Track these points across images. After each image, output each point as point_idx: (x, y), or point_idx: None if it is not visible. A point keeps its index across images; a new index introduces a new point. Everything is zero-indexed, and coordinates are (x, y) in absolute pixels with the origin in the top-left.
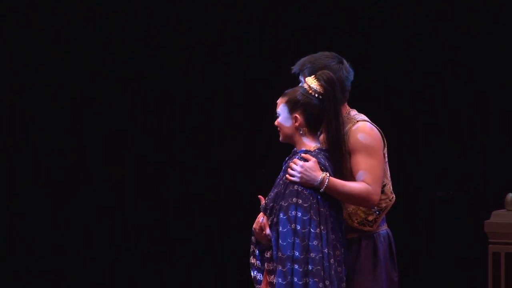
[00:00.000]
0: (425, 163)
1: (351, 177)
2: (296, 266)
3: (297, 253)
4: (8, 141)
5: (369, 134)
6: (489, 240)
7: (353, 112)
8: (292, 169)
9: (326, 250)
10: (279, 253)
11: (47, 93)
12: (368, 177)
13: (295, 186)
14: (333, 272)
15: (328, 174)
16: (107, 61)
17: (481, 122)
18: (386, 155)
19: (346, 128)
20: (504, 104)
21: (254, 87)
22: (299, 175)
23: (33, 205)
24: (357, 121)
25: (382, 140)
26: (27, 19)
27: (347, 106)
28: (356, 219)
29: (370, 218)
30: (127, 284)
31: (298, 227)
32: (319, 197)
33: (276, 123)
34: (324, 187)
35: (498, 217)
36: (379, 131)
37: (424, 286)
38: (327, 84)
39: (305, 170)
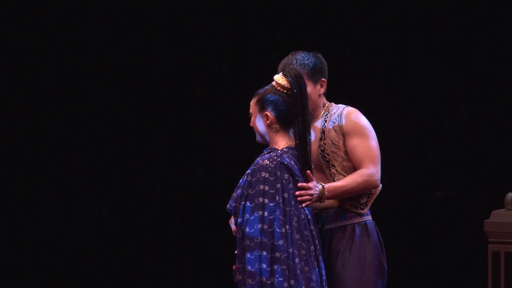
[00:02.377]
0: (425, 163)
1: (342, 161)
2: (264, 266)
3: (264, 253)
4: (8, 141)
5: (361, 116)
6: (489, 239)
7: (334, 104)
8: (304, 195)
9: (291, 250)
10: (247, 254)
11: (47, 93)
12: (366, 160)
13: (261, 186)
14: (298, 271)
15: (323, 185)
16: (108, 61)
17: (481, 122)
18: None
19: (337, 113)
20: (504, 103)
21: (254, 88)
22: (315, 197)
23: (34, 205)
24: (345, 107)
25: (368, 122)
26: (27, 19)
27: (324, 98)
28: (349, 200)
29: (362, 201)
30: (127, 284)
31: (265, 227)
32: (285, 195)
33: (250, 123)
34: (323, 199)
35: (498, 216)
36: None
37: (424, 285)
38: (294, 80)
39: (315, 191)
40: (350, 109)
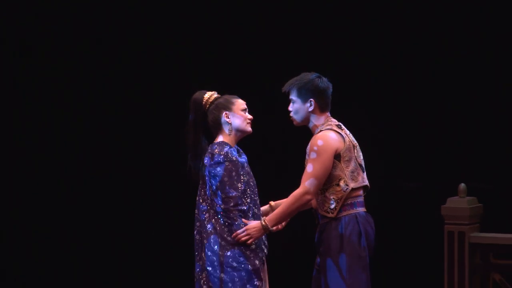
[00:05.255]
0: (398, 157)
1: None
2: None
3: None
4: (8, 141)
5: (321, 138)
6: (445, 221)
7: (329, 123)
8: (242, 236)
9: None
10: None
11: (48, 93)
12: (303, 179)
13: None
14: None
15: (263, 219)
16: (108, 61)
17: (439, 120)
18: (345, 155)
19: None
20: (466, 100)
21: (253, 89)
22: (252, 236)
23: (34, 205)
24: (321, 130)
25: (332, 143)
26: (27, 20)
27: (328, 115)
28: (324, 207)
29: (331, 207)
30: (127, 284)
31: None
32: None
33: None
34: (270, 229)
35: (452, 202)
36: (341, 135)
37: (389, 262)
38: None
39: (251, 230)
40: (317, 134)
